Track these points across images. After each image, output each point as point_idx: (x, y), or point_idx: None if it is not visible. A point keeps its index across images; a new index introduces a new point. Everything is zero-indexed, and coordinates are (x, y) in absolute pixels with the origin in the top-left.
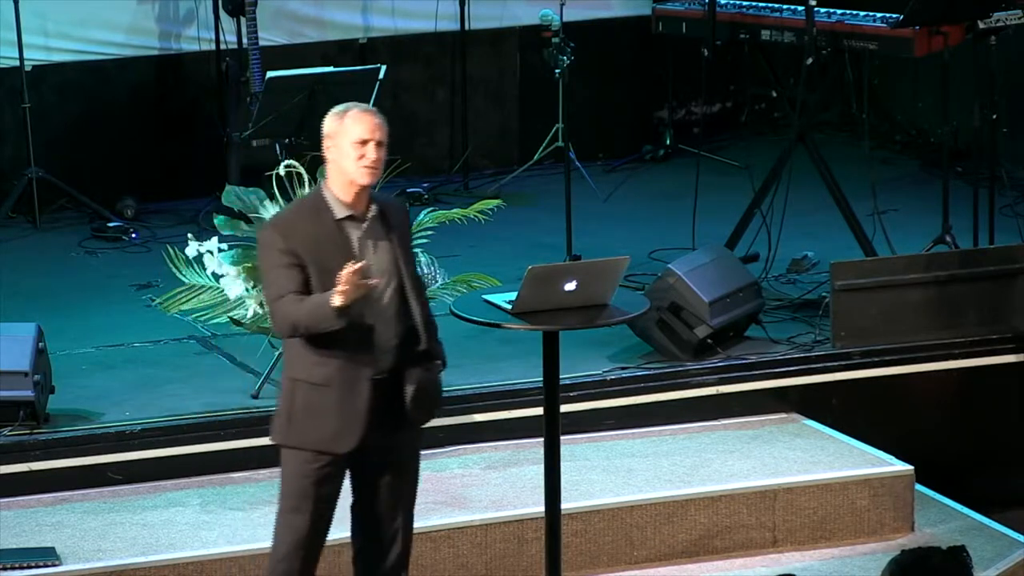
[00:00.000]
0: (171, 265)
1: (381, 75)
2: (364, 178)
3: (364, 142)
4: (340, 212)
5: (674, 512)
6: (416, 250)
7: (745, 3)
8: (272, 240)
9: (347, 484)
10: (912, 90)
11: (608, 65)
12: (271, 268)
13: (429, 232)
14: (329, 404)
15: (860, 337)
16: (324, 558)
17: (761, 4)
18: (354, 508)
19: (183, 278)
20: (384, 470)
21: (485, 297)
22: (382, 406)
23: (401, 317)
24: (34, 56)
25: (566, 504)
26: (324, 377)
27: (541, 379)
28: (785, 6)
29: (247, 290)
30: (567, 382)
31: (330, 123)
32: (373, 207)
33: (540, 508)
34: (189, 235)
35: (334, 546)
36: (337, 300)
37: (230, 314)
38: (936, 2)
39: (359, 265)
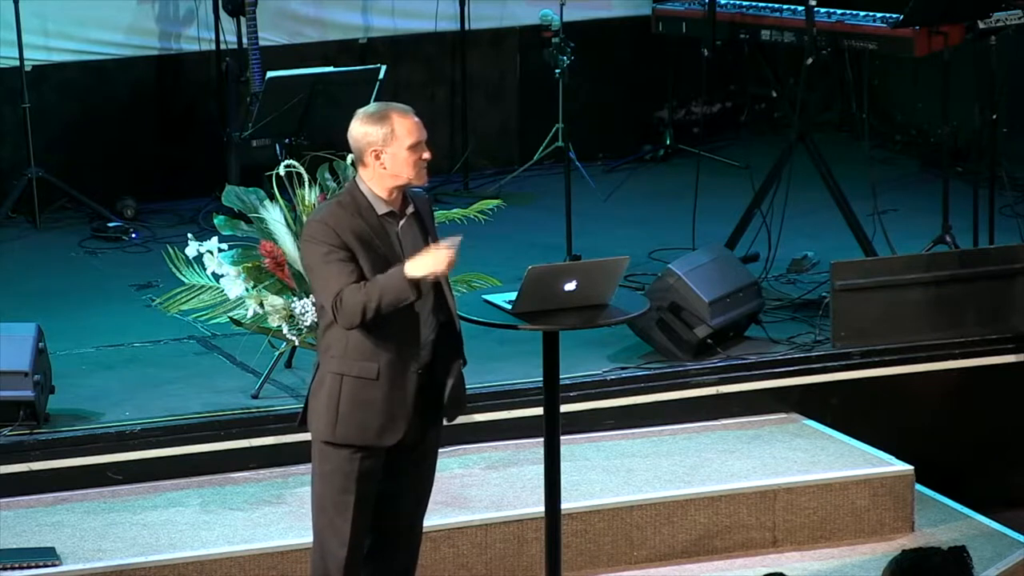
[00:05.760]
0: (171, 265)
1: (381, 75)
2: (422, 179)
3: (417, 145)
4: (381, 208)
5: (674, 512)
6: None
7: (745, 3)
8: (323, 234)
9: None
10: (912, 90)
11: (608, 65)
12: (325, 263)
13: None
14: (377, 398)
15: (860, 337)
16: None
17: (761, 4)
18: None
19: (183, 278)
20: (409, 467)
21: (485, 297)
22: (421, 401)
23: (436, 312)
24: (34, 56)
25: (566, 504)
26: (373, 371)
27: (541, 379)
28: (785, 6)
29: (247, 290)
30: (567, 382)
31: (374, 131)
32: (409, 205)
33: (540, 508)
34: (189, 235)
35: None
36: (412, 270)
37: (230, 314)
38: (936, 2)
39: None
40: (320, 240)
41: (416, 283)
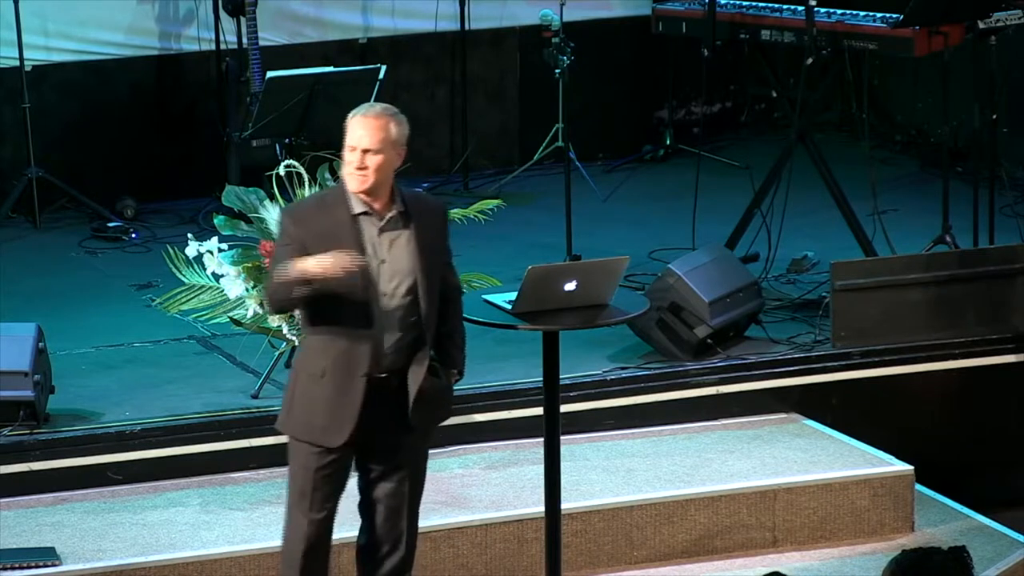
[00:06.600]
0: (171, 265)
1: (381, 75)
2: (350, 183)
3: (353, 148)
4: (357, 207)
5: (674, 512)
6: None
7: (745, 3)
8: (284, 226)
9: (354, 484)
10: (912, 90)
11: (608, 65)
12: (276, 250)
13: None
14: (323, 397)
15: (860, 337)
16: None
17: (761, 4)
18: (360, 508)
19: (183, 278)
20: (390, 471)
21: (485, 297)
22: (384, 406)
23: (410, 319)
24: (34, 56)
25: (566, 504)
26: (321, 369)
27: (541, 379)
28: (785, 6)
29: (247, 290)
30: (567, 382)
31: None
32: (395, 206)
33: (540, 508)
34: (189, 235)
35: (334, 546)
36: (309, 265)
37: (230, 314)
38: (936, 2)
39: (354, 255)
40: (281, 230)
41: (303, 279)
